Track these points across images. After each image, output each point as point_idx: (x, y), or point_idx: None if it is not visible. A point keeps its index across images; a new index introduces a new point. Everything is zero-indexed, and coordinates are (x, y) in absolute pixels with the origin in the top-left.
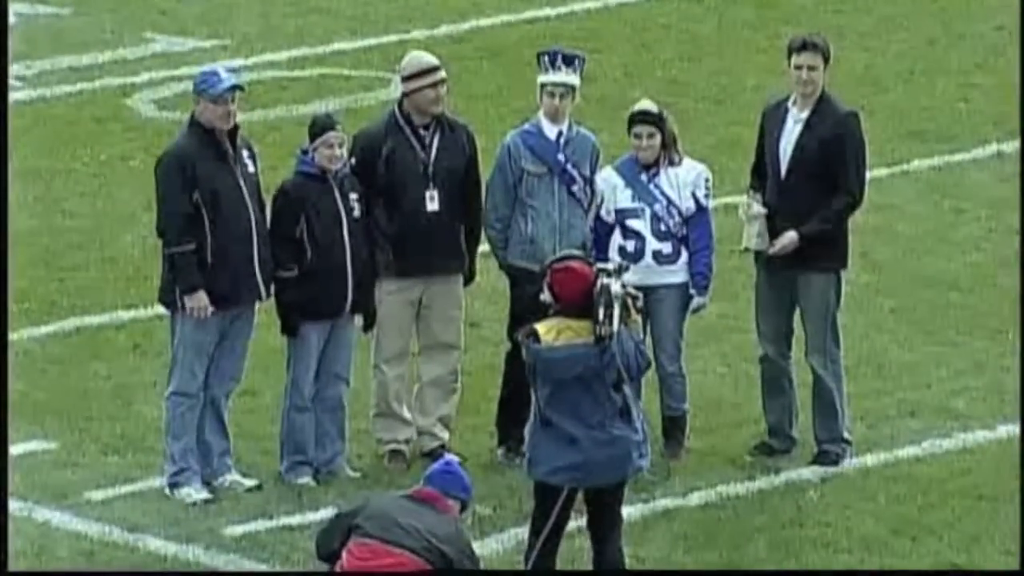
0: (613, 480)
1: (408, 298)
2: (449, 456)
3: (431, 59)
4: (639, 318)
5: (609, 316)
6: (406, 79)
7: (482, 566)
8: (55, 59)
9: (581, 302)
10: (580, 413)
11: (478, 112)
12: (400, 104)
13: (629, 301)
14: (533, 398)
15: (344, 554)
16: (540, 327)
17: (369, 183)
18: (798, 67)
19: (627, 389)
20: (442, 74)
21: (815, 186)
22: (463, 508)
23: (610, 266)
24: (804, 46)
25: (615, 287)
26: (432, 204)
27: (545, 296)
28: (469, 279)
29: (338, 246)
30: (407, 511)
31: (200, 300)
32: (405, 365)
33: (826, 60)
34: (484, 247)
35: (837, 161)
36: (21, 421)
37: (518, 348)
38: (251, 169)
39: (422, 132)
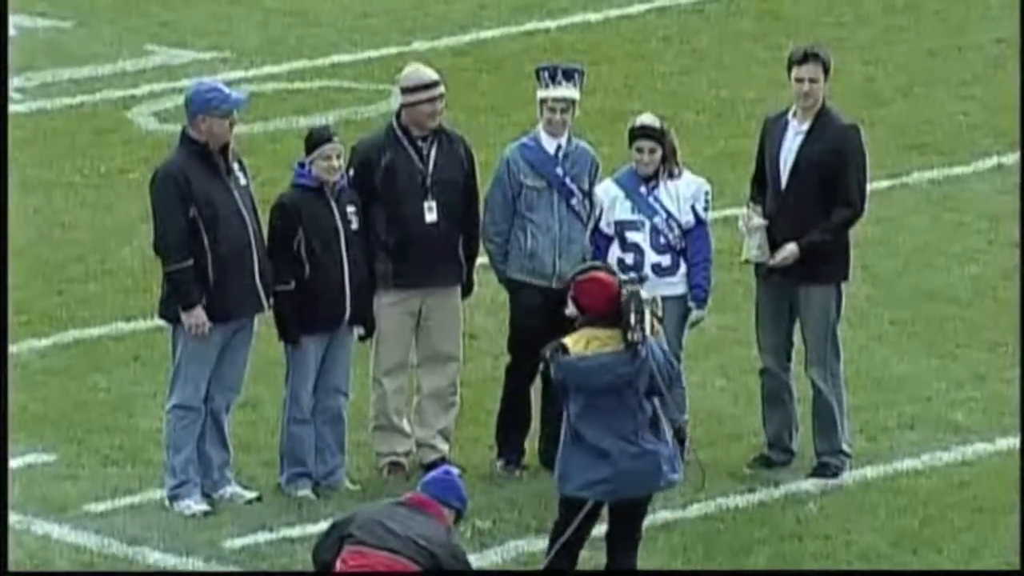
0: (642, 494)
1: (407, 310)
2: (448, 465)
3: (431, 74)
4: (660, 328)
5: (641, 321)
6: (405, 92)
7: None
8: (55, 71)
9: (608, 311)
10: (612, 424)
11: (478, 124)
12: (398, 116)
13: (652, 310)
14: (564, 413)
15: (337, 562)
16: (568, 340)
17: (367, 194)
18: (799, 79)
19: (655, 401)
20: (440, 89)
21: (815, 198)
22: (458, 518)
23: (632, 275)
24: (805, 58)
25: (644, 293)
26: (430, 216)
27: (570, 309)
28: (467, 291)
29: (336, 259)
30: (398, 517)
31: (198, 317)
32: (404, 377)
33: (827, 72)
34: (484, 259)
35: (838, 173)
36: (20, 433)
37: (518, 360)
38: (243, 182)
39: (420, 144)
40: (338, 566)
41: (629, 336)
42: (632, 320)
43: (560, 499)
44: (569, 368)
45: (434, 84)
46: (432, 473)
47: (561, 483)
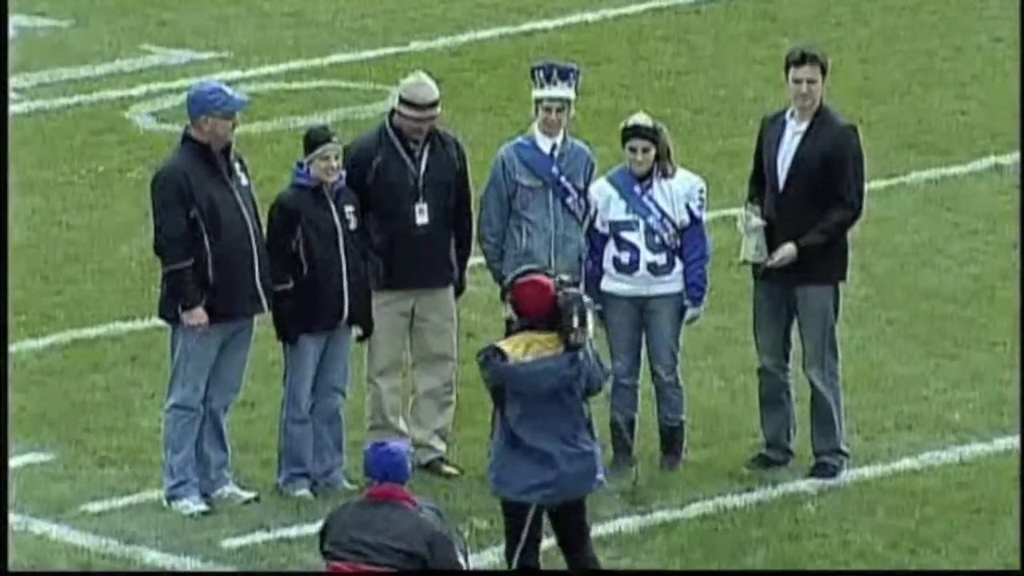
0: (581, 495)
1: (399, 310)
2: (377, 441)
3: (431, 94)
4: (595, 329)
5: (583, 323)
6: (401, 102)
7: (459, 547)
8: (53, 71)
9: (547, 314)
10: (552, 427)
11: (475, 124)
12: (391, 117)
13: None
14: (498, 418)
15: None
16: (506, 345)
17: (360, 195)
18: (797, 80)
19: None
20: (435, 111)
21: (814, 198)
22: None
23: (566, 277)
24: (803, 59)
25: (586, 296)
26: (422, 218)
27: (508, 313)
28: (459, 291)
29: (334, 259)
30: (368, 521)
31: (199, 317)
32: (398, 377)
33: (824, 73)
34: (480, 259)
35: (836, 174)
36: (18, 433)
37: None
38: (244, 182)
39: (412, 146)
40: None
41: (572, 338)
42: (575, 322)
43: (502, 504)
44: (510, 374)
45: (431, 106)
46: (374, 457)
47: (500, 487)
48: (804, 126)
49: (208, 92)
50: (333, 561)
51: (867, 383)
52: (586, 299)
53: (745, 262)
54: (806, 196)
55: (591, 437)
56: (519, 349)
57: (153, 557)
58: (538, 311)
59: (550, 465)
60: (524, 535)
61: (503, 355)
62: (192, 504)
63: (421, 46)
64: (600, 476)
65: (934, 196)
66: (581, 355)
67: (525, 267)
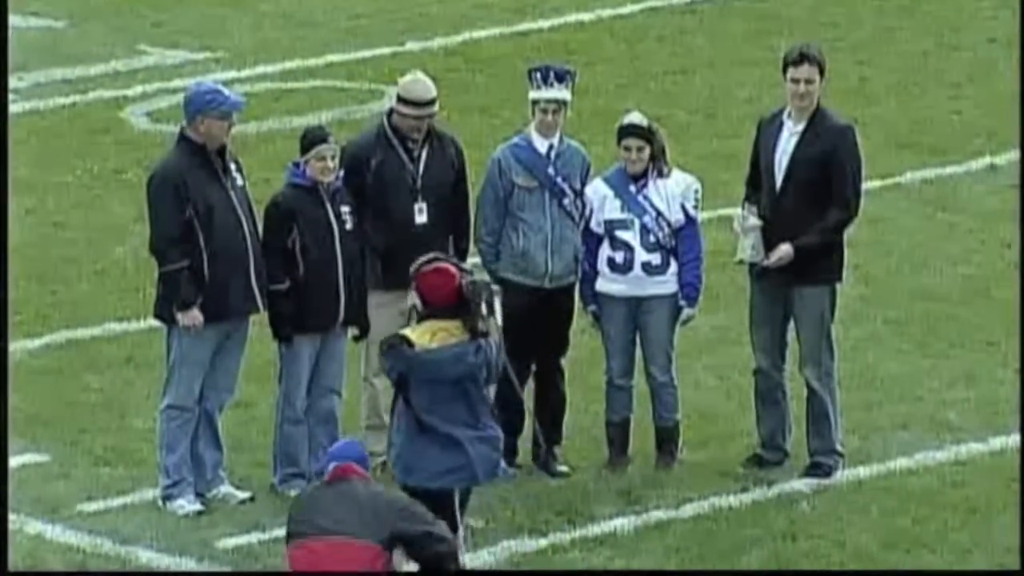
0: (488, 480)
1: (397, 310)
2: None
3: (428, 92)
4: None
5: (491, 311)
6: (399, 100)
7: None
8: (48, 71)
9: (453, 302)
10: (458, 413)
11: (471, 124)
12: (389, 116)
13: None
14: (402, 406)
15: (289, 562)
16: (412, 334)
17: (358, 195)
18: (795, 80)
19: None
20: (433, 109)
21: (810, 199)
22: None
23: (467, 266)
24: (801, 59)
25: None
26: (421, 217)
27: (414, 300)
28: None
29: (330, 258)
30: (330, 500)
31: (195, 317)
32: None
33: (822, 73)
34: (476, 259)
35: (833, 174)
36: (14, 433)
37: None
38: (240, 182)
39: (411, 145)
40: (290, 564)
41: (480, 326)
42: (483, 310)
43: (412, 492)
44: (417, 361)
45: (428, 103)
46: (335, 449)
47: (409, 475)
48: (801, 126)
49: (205, 93)
50: (297, 539)
51: (862, 383)
52: (494, 287)
53: (741, 262)
54: (803, 196)
55: (496, 422)
56: (425, 337)
57: (148, 557)
58: (443, 299)
59: (460, 450)
60: (460, 525)
61: (409, 343)
62: (187, 504)
63: (417, 46)
64: (503, 464)
65: (929, 196)
66: (484, 343)
67: (431, 255)
